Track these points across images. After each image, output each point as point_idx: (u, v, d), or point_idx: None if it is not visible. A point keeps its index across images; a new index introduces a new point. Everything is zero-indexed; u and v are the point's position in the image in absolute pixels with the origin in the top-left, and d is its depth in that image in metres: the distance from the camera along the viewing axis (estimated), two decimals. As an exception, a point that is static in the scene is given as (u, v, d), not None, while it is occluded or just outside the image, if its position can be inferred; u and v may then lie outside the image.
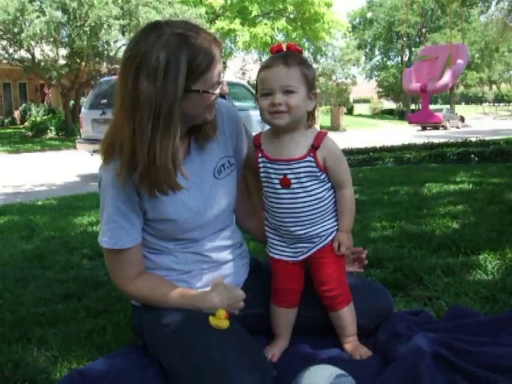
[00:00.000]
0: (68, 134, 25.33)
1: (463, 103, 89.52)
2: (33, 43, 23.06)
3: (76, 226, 5.15)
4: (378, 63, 62.62)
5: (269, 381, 1.69)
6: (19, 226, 5.26)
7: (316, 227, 2.06)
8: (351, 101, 61.61)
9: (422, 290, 2.85)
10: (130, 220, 1.90)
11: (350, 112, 51.47)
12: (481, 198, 5.29)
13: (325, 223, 2.07)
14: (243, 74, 48.35)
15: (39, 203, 7.00)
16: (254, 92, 2.10)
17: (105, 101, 11.90)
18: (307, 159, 1.97)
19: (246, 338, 1.85)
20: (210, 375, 1.64)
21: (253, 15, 32.23)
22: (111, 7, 21.57)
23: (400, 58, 58.85)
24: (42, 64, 24.42)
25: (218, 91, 1.86)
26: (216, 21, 32.30)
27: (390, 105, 67.43)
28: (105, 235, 1.90)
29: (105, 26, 21.90)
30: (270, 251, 2.16)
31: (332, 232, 2.09)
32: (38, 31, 21.57)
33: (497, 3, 32.68)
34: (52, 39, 22.97)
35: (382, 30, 58.43)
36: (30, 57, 24.27)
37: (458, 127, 38.67)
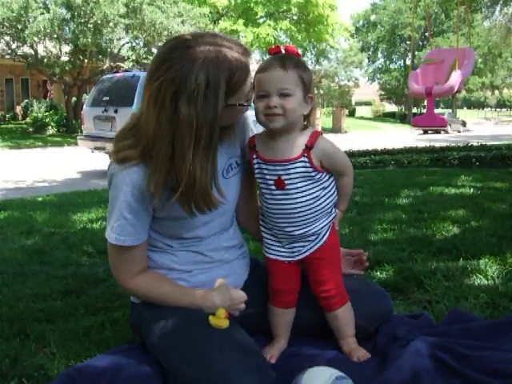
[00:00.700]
0: (69, 130, 25.32)
1: (465, 108, 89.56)
2: (36, 40, 23.04)
3: (76, 222, 5.14)
4: (380, 66, 62.61)
5: (267, 382, 1.69)
6: (19, 221, 5.25)
7: (311, 227, 2.06)
8: (353, 103, 61.60)
9: (422, 293, 2.85)
10: (141, 218, 1.89)
11: (351, 114, 51.42)
12: (482, 202, 5.29)
13: (320, 222, 2.07)
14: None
15: (39, 199, 6.99)
16: None
17: (107, 98, 11.92)
18: (301, 159, 1.97)
19: (245, 339, 1.84)
20: (209, 375, 1.63)
21: (258, 16, 32.29)
22: (118, 6, 21.54)
23: (403, 61, 58.89)
24: (45, 60, 24.42)
25: (250, 101, 1.88)
26: (219, 21, 32.32)
27: (391, 108, 67.40)
28: (114, 232, 1.88)
29: (110, 24, 21.88)
30: (266, 251, 2.16)
31: (327, 231, 2.09)
32: (42, 28, 21.55)
33: (501, 9, 32.63)
34: (55, 36, 22.94)
35: (385, 33, 58.38)
36: (33, 53, 24.26)
37: (459, 131, 38.66)
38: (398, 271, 3.16)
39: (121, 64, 24.11)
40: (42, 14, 21.75)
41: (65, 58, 25.03)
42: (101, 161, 12.20)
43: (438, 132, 35.54)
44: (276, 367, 1.96)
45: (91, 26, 21.96)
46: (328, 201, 2.07)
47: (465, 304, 2.65)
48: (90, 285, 3.16)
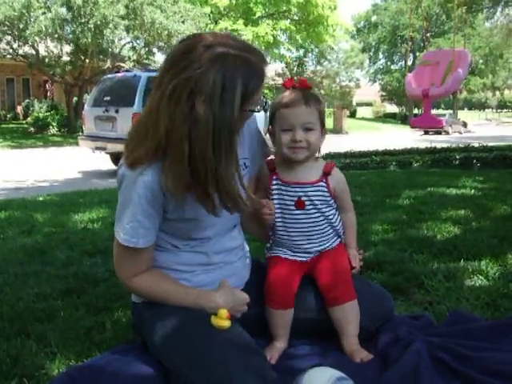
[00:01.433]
0: (70, 130, 25.32)
1: (466, 109, 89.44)
2: (37, 39, 23.03)
3: (77, 222, 5.14)
4: (381, 67, 62.56)
5: (270, 382, 1.68)
6: (20, 221, 5.25)
7: (326, 244, 2.20)
8: (354, 104, 61.57)
9: (423, 294, 2.85)
10: (153, 220, 1.89)
11: (352, 115, 51.39)
12: (483, 203, 5.29)
13: (333, 241, 2.23)
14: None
15: (40, 199, 6.99)
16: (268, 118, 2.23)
17: (108, 98, 11.92)
18: (320, 184, 2.14)
19: (247, 339, 1.84)
20: (211, 375, 1.63)
21: (256, 16, 32.30)
22: (117, 7, 21.53)
23: (404, 62, 58.87)
24: (47, 60, 24.43)
25: (260, 108, 1.90)
26: (220, 21, 32.34)
27: (392, 109, 67.33)
28: (126, 233, 1.87)
29: (110, 25, 21.87)
30: (273, 250, 2.22)
31: (340, 234, 2.24)
32: (43, 28, 21.54)
33: (502, 9, 32.67)
34: (57, 36, 22.94)
35: (386, 34, 58.31)
36: (34, 53, 24.27)
37: (460, 133, 38.64)
38: (398, 272, 3.15)
39: (122, 64, 24.10)
40: (44, 13, 21.74)
41: (66, 58, 25.04)
42: (102, 161, 12.22)
43: (439, 133, 35.51)
44: (276, 368, 1.96)
45: (91, 26, 21.95)
46: (338, 222, 2.22)
47: (466, 305, 2.65)
48: (91, 284, 3.16)
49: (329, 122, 36.17)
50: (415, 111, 51.01)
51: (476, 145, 13.14)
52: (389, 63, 61.71)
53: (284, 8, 33.47)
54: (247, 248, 2.25)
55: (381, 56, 62.11)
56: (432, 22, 54.95)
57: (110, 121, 11.59)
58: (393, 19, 56.46)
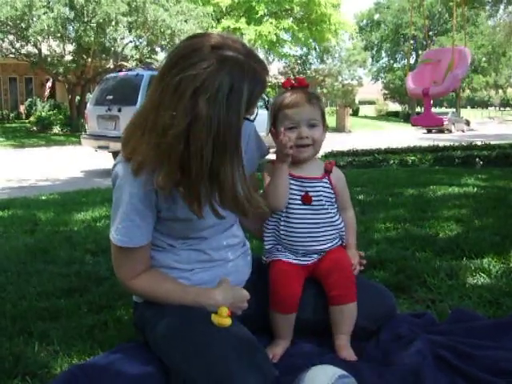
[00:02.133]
0: (73, 129, 25.34)
1: (469, 107, 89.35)
2: (40, 39, 23.06)
3: (79, 221, 5.15)
4: (384, 65, 62.55)
5: (271, 380, 1.68)
6: (23, 220, 5.26)
7: (328, 244, 2.20)
8: (357, 102, 61.53)
9: (425, 292, 2.85)
10: (146, 219, 1.88)
11: (355, 113, 51.39)
12: (485, 201, 5.28)
13: (335, 241, 2.22)
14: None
15: (43, 198, 7.00)
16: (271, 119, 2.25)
17: (110, 97, 11.93)
18: (324, 180, 2.18)
19: (248, 337, 1.84)
20: (212, 373, 1.63)
21: (259, 15, 32.28)
22: (119, 5, 21.56)
23: (406, 60, 58.88)
24: (49, 59, 24.46)
25: (253, 116, 1.89)
26: (222, 20, 32.33)
27: (395, 107, 67.36)
28: (119, 233, 1.87)
29: (112, 23, 21.89)
30: (274, 254, 2.21)
31: (340, 233, 2.24)
32: (46, 27, 21.57)
33: (505, 7, 32.58)
34: (59, 35, 22.96)
35: (388, 32, 58.34)
36: (36, 52, 24.30)
37: (463, 131, 38.63)
38: (401, 270, 3.15)
39: (124, 63, 24.12)
40: (46, 12, 21.76)
41: (68, 57, 25.07)
42: (104, 160, 12.22)
43: (441, 131, 35.51)
44: (278, 366, 1.96)
45: (94, 25, 21.97)
46: (340, 221, 2.24)
47: (468, 303, 2.65)
48: (94, 283, 3.16)
49: (331, 121, 36.18)
50: (418, 109, 50.98)
51: (479, 143, 13.14)
52: (391, 61, 61.70)
53: (287, 6, 33.44)
54: (248, 245, 2.25)
55: (383, 54, 62.11)
56: (435, 21, 54.92)
57: (113, 120, 11.60)
58: (395, 17, 56.47)
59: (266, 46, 33.94)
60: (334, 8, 34.21)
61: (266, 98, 13.79)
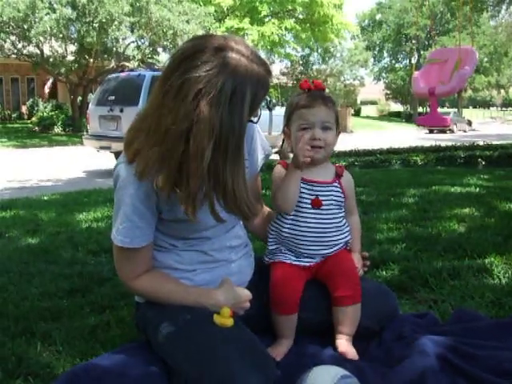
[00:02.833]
0: (75, 129, 25.36)
1: (471, 107, 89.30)
2: (42, 39, 23.08)
3: (81, 221, 5.15)
4: (386, 65, 62.53)
5: (272, 380, 1.68)
6: (24, 220, 5.26)
7: (333, 249, 2.19)
8: (358, 102, 61.53)
9: (427, 292, 2.85)
10: (147, 220, 1.88)
11: (357, 113, 51.38)
12: (487, 201, 5.28)
13: (339, 246, 2.21)
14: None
15: (45, 198, 7.01)
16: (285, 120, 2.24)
17: (112, 97, 11.94)
18: (335, 184, 2.19)
19: (250, 337, 1.84)
20: (214, 373, 1.63)
21: (262, 15, 32.31)
22: (123, 4, 21.57)
23: (408, 60, 58.78)
24: (51, 60, 24.47)
25: (256, 118, 1.90)
26: (225, 20, 32.35)
27: (397, 107, 67.34)
28: (120, 234, 1.88)
29: (115, 23, 21.89)
30: (277, 256, 2.20)
31: (346, 239, 2.23)
32: (48, 28, 21.57)
33: (507, 7, 32.59)
34: (61, 35, 22.96)
35: (390, 32, 58.32)
36: (38, 52, 24.31)
37: (465, 131, 38.61)
38: (403, 270, 3.15)
39: (126, 63, 24.12)
40: (48, 14, 21.78)
41: (70, 58, 25.08)
42: (106, 160, 12.22)
43: (443, 131, 35.48)
44: (281, 366, 1.96)
45: (96, 25, 21.98)
46: (347, 226, 2.24)
47: (470, 303, 2.64)
48: (96, 283, 3.16)
49: (333, 121, 36.05)
50: (420, 110, 50.99)
51: (481, 143, 13.10)
52: (393, 61, 61.68)
53: (289, 7, 33.44)
54: (250, 246, 2.25)
55: (385, 54, 62.09)
56: (436, 21, 54.88)
57: (115, 120, 11.61)
58: (397, 17, 56.44)
59: (269, 47, 33.93)
60: (337, 8, 34.20)
61: (268, 99, 13.79)
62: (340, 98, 52.06)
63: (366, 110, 61.69)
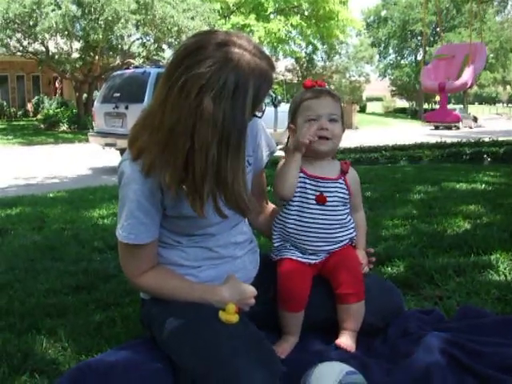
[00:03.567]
0: (80, 127, 25.36)
1: (476, 103, 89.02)
2: (47, 36, 23.10)
3: (87, 218, 5.16)
4: (391, 62, 62.35)
5: (277, 376, 1.68)
6: (30, 217, 5.28)
7: (338, 245, 2.18)
8: (364, 99, 61.39)
9: (433, 289, 2.84)
10: (151, 216, 1.88)
11: (362, 110, 51.29)
12: (493, 198, 5.27)
13: (344, 242, 2.20)
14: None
15: (51, 195, 7.02)
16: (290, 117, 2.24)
17: (118, 95, 11.95)
18: (340, 181, 2.17)
19: (255, 333, 1.84)
20: (219, 369, 1.63)
21: (268, 12, 32.28)
22: (129, 2, 21.57)
23: (414, 57, 58.64)
24: (56, 57, 24.50)
25: (262, 113, 1.89)
26: (231, 16, 32.33)
27: (403, 104, 67.18)
28: (125, 230, 1.88)
29: (122, 21, 21.88)
30: (284, 253, 2.19)
31: (351, 235, 2.22)
32: (54, 24, 21.59)
33: (513, 3, 32.49)
34: (66, 32, 22.99)
35: (396, 29, 58.14)
36: (44, 50, 24.34)
37: (470, 127, 38.50)
38: (408, 267, 3.15)
39: (131, 60, 24.14)
40: (54, 10, 21.78)
41: (76, 55, 25.11)
42: (112, 157, 12.24)
43: (449, 128, 35.37)
44: (286, 362, 1.96)
45: (102, 22, 21.98)
46: (352, 223, 2.23)
47: (476, 300, 2.64)
48: (101, 280, 3.17)
49: (338, 117, 35.99)
50: (425, 106, 50.84)
51: (486, 139, 13.07)
52: (399, 58, 61.49)
53: (295, 3, 33.39)
54: (255, 242, 2.24)
55: (391, 51, 61.91)
56: (442, 17, 54.68)
57: (120, 117, 11.63)
58: (403, 14, 56.26)
59: (275, 44, 33.91)
60: (342, 5, 34.15)
61: (273, 95, 13.78)
62: (345, 94, 51.92)
63: (372, 107, 61.59)
